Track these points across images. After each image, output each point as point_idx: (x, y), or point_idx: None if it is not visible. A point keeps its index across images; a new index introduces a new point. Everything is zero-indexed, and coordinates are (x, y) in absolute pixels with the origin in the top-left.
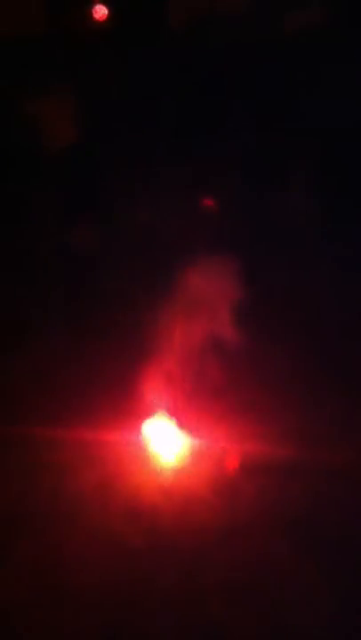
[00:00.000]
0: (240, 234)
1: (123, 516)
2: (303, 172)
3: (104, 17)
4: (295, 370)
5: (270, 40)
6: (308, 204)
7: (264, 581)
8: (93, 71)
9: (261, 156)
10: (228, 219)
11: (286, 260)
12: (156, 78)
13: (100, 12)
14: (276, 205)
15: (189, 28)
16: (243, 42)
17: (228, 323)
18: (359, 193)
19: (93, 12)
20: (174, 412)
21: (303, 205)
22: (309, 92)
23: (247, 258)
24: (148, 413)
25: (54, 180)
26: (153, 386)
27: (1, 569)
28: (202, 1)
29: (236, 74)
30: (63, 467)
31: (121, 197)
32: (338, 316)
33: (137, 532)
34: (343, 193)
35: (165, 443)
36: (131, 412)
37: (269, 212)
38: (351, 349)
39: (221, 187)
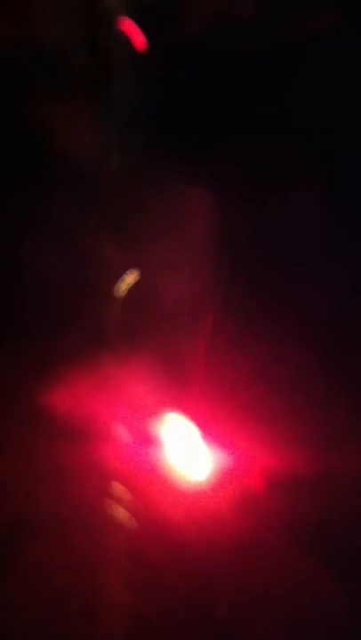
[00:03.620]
0: (246, 241)
1: (144, 530)
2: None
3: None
4: (316, 382)
5: (276, 45)
6: (313, 214)
7: (283, 594)
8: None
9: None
10: (232, 226)
11: (295, 276)
12: (167, 88)
13: (125, 23)
14: (280, 212)
15: (202, 36)
16: (251, 48)
17: (251, 338)
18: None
19: (118, 23)
20: (198, 426)
21: (308, 215)
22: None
23: (256, 269)
24: (171, 428)
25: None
26: (176, 400)
27: (7, 574)
28: (214, 10)
29: (246, 84)
30: (85, 483)
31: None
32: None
33: (158, 547)
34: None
35: (187, 455)
36: (153, 426)
37: (273, 220)
38: None
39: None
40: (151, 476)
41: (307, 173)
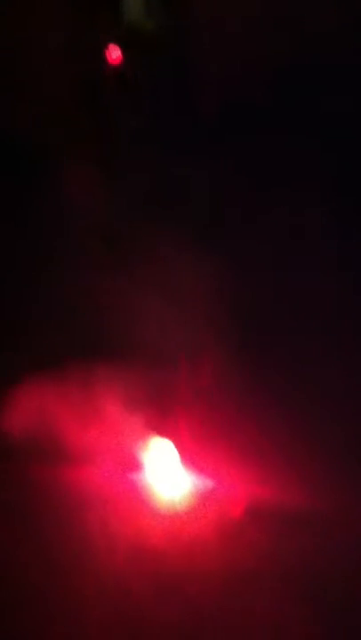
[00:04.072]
0: (245, 261)
1: (126, 555)
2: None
3: (118, 59)
4: (303, 418)
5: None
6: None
7: (265, 626)
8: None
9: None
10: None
11: (294, 301)
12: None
13: (115, 53)
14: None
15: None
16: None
17: (235, 364)
18: None
19: (107, 53)
20: (181, 454)
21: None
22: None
23: (255, 295)
24: (154, 454)
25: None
26: (160, 427)
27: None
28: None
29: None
30: (68, 508)
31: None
32: (346, 358)
33: (140, 572)
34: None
35: (171, 483)
36: (137, 453)
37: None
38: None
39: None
40: (133, 501)
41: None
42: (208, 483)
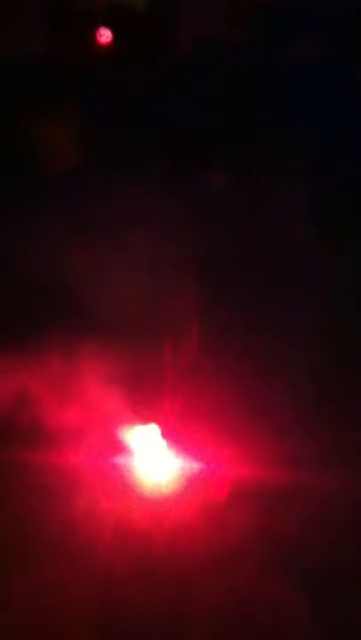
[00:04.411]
0: (232, 258)
1: (112, 539)
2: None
3: (108, 40)
4: (287, 395)
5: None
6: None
7: (254, 608)
8: (96, 93)
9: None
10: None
11: (280, 288)
12: (157, 100)
13: (105, 35)
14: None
15: (192, 52)
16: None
17: (223, 345)
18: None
19: (98, 35)
20: (166, 436)
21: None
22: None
23: (243, 282)
24: (139, 437)
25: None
26: (145, 408)
27: None
28: (205, 27)
29: (238, 97)
30: (53, 491)
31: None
32: (329, 340)
33: (126, 555)
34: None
35: (156, 466)
36: (122, 435)
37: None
38: (345, 375)
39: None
40: (118, 484)
41: (299, 189)
42: (193, 464)
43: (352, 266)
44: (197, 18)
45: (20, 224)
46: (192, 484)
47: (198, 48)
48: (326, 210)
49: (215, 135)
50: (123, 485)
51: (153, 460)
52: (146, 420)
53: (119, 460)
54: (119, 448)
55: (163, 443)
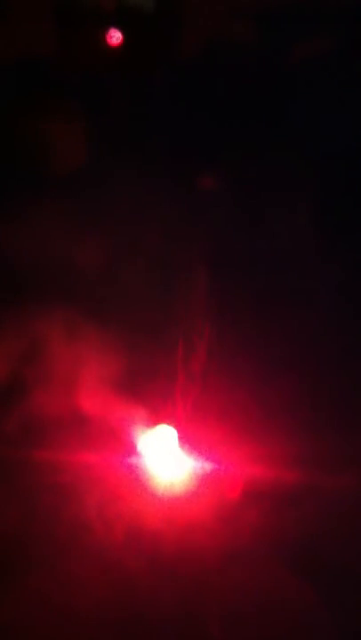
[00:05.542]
0: (243, 256)
1: (123, 539)
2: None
3: (119, 42)
4: (299, 394)
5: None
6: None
7: (265, 608)
8: (105, 94)
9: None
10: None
11: (290, 285)
12: (164, 101)
13: (115, 37)
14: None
15: (200, 53)
16: (249, 66)
17: (235, 345)
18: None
19: (108, 37)
20: (178, 435)
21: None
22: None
23: (253, 280)
24: (150, 436)
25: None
26: (157, 408)
27: (3, 591)
28: (212, 27)
29: (242, 98)
30: (64, 489)
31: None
32: (340, 340)
33: (138, 555)
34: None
35: (168, 465)
36: (132, 433)
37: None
38: (353, 375)
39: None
40: (130, 484)
41: (303, 192)
42: (205, 463)
43: None
44: (202, 18)
45: (20, 224)
46: (204, 483)
47: (203, 48)
48: (332, 209)
49: (220, 135)
50: (135, 485)
51: (165, 459)
52: (158, 419)
53: (132, 459)
54: (131, 448)
55: (175, 442)
